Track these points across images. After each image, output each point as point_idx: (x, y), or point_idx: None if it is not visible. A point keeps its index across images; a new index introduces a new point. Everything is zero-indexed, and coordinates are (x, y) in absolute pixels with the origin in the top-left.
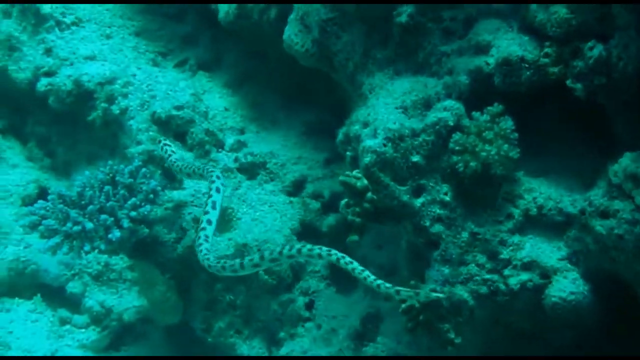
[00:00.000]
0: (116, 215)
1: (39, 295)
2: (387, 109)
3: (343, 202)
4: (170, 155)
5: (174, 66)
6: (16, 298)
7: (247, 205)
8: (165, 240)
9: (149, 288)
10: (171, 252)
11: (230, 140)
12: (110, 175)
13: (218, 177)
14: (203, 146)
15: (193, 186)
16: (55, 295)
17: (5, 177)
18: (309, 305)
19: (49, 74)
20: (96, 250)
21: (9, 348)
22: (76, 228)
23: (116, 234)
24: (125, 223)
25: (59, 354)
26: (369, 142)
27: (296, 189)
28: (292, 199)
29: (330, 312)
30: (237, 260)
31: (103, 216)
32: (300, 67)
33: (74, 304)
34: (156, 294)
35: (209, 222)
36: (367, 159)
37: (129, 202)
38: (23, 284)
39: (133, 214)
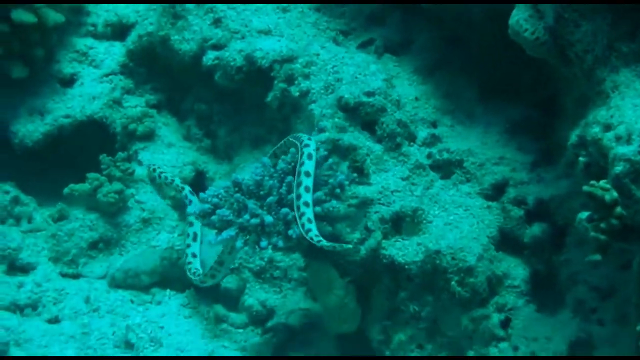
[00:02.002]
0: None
1: (192, 288)
2: (636, 112)
3: (583, 215)
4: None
5: (357, 47)
6: (167, 290)
7: (440, 208)
8: (348, 241)
9: (325, 292)
10: (353, 254)
11: (422, 133)
12: (292, 164)
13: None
14: (394, 138)
15: (380, 182)
16: (210, 289)
17: (160, 156)
18: (505, 324)
19: (217, 47)
20: (270, 247)
21: (159, 345)
22: (254, 221)
23: (297, 230)
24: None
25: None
26: (621, 150)
27: (496, 192)
28: (490, 203)
29: (530, 333)
30: None
31: (284, 210)
32: (505, 57)
33: (229, 301)
34: (333, 299)
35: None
36: (619, 168)
37: (314, 196)
38: (175, 275)
39: (317, 209)
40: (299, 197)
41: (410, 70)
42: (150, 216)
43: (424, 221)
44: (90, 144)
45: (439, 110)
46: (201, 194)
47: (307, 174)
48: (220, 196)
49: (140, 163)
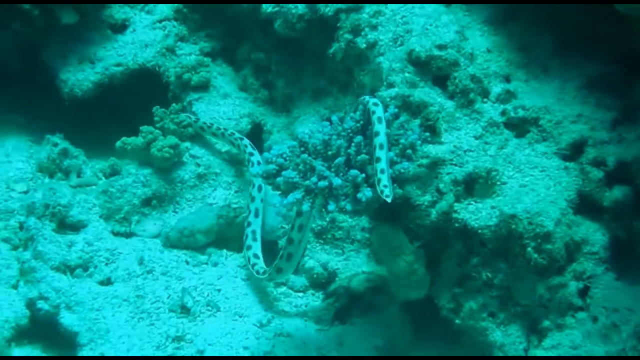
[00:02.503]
0: (367, 171)
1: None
2: None
3: None
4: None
5: None
6: (224, 250)
7: (514, 168)
8: (419, 204)
9: (393, 257)
10: (424, 218)
11: (496, 89)
12: (361, 122)
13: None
14: (467, 94)
15: (452, 141)
16: (268, 250)
17: (215, 108)
18: (583, 292)
19: None
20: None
21: (217, 309)
22: (322, 183)
23: (367, 193)
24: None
25: (274, 322)
26: None
27: (574, 152)
28: (568, 164)
29: (610, 303)
30: None
31: (353, 172)
32: (581, 7)
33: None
34: (401, 265)
35: None
36: None
37: None
38: (232, 234)
39: (389, 171)
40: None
41: (480, 21)
42: (205, 172)
43: (498, 183)
44: (141, 94)
45: (513, 64)
46: (265, 154)
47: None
48: (285, 156)
49: (194, 114)
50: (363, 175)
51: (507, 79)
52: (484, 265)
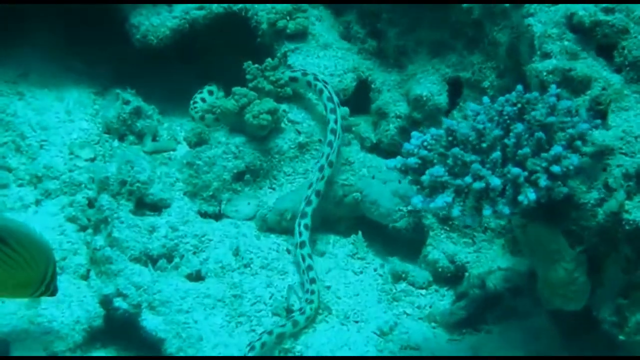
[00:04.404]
0: (528, 166)
1: (359, 233)
2: None
3: None
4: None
5: None
6: (331, 235)
7: None
8: (583, 202)
9: (550, 263)
10: (589, 219)
11: None
12: (519, 105)
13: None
14: (638, 67)
15: (621, 124)
16: (379, 235)
17: (314, 61)
18: None
19: None
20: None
21: (328, 313)
22: (478, 185)
23: (531, 195)
24: (543, 180)
25: (397, 329)
26: None
27: None
28: None
29: None
30: None
31: (515, 170)
32: None
33: (408, 251)
34: (560, 273)
35: None
36: None
37: (551, 152)
38: (340, 213)
39: (555, 168)
40: None
41: None
42: (307, 140)
43: None
44: (226, 43)
45: None
46: (405, 145)
47: None
48: (428, 145)
49: (290, 69)
50: (525, 173)
51: None
52: None
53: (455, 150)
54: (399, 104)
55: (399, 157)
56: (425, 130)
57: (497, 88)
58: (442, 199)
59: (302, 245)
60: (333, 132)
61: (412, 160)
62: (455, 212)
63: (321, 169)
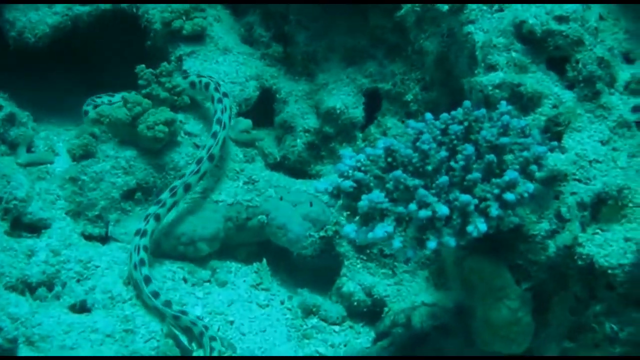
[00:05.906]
0: (476, 193)
1: (264, 261)
2: None
3: None
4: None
5: None
6: (232, 262)
7: None
8: (533, 234)
9: (493, 301)
10: (538, 252)
11: (624, 74)
12: (466, 123)
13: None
14: (592, 83)
15: (574, 147)
16: (282, 262)
17: (214, 66)
18: None
19: None
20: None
21: (232, 351)
22: (424, 213)
23: (481, 226)
24: (494, 209)
25: None
26: None
27: None
28: None
29: None
30: None
31: (464, 197)
32: None
33: (317, 281)
34: (503, 312)
35: None
36: None
37: (505, 177)
38: (241, 239)
39: (509, 196)
40: None
41: None
42: None
43: (630, 205)
44: (114, 45)
45: (634, 36)
46: (339, 165)
47: None
48: (363, 166)
49: (184, 74)
50: (475, 201)
51: (627, 58)
52: (609, 314)
53: (397, 173)
54: (307, 116)
55: (330, 179)
56: (358, 149)
57: (422, 102)
58: (383, 229)
59: None
60: (219, 122)
61: (347, 184)
62: (397, 243)
63: (199, 161)
